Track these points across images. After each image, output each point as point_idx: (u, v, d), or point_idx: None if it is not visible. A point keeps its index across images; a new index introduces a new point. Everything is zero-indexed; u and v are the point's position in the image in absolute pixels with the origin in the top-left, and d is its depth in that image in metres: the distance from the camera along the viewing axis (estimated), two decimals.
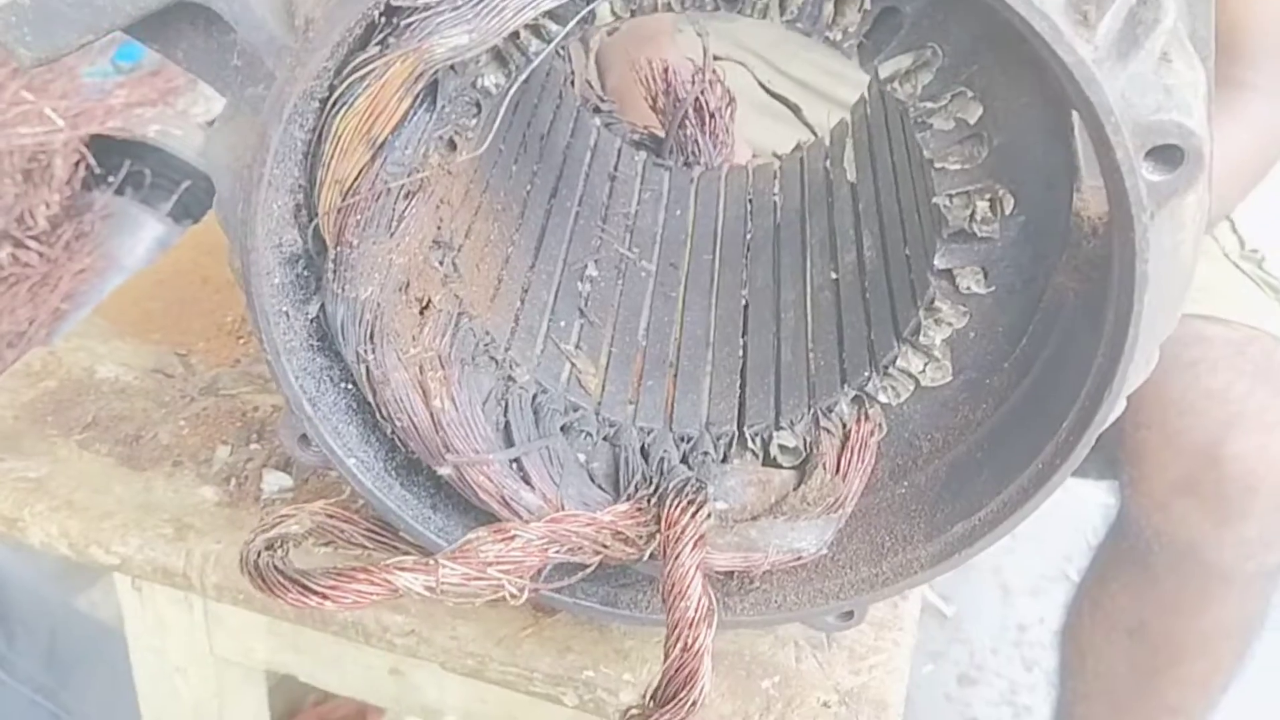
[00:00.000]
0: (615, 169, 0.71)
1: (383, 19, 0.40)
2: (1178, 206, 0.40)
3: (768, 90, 0.80)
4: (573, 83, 0.73)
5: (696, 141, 0.76)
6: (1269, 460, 0.92)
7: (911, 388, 0.52)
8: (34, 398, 0.73)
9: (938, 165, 0.45)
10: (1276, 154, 1.02)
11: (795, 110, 0.78)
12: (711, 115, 0.77)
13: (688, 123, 0.76)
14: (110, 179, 1.58)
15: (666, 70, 0.78)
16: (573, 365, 0.57)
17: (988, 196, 0.46)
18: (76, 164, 1.52)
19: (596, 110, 0.74)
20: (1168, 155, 0.38)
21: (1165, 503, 0.95)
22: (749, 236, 0.67)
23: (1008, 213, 0.46)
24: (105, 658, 1.13)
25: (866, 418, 0.53)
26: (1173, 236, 0.41)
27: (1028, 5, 0.35)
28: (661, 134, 0.77)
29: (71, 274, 1.55)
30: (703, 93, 0.77)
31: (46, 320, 1.53)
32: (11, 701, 1.06)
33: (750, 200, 0.70)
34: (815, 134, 0.75)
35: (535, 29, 0.42)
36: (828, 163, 0.68)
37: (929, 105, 0.43)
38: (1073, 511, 1.88)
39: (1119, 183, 0.38)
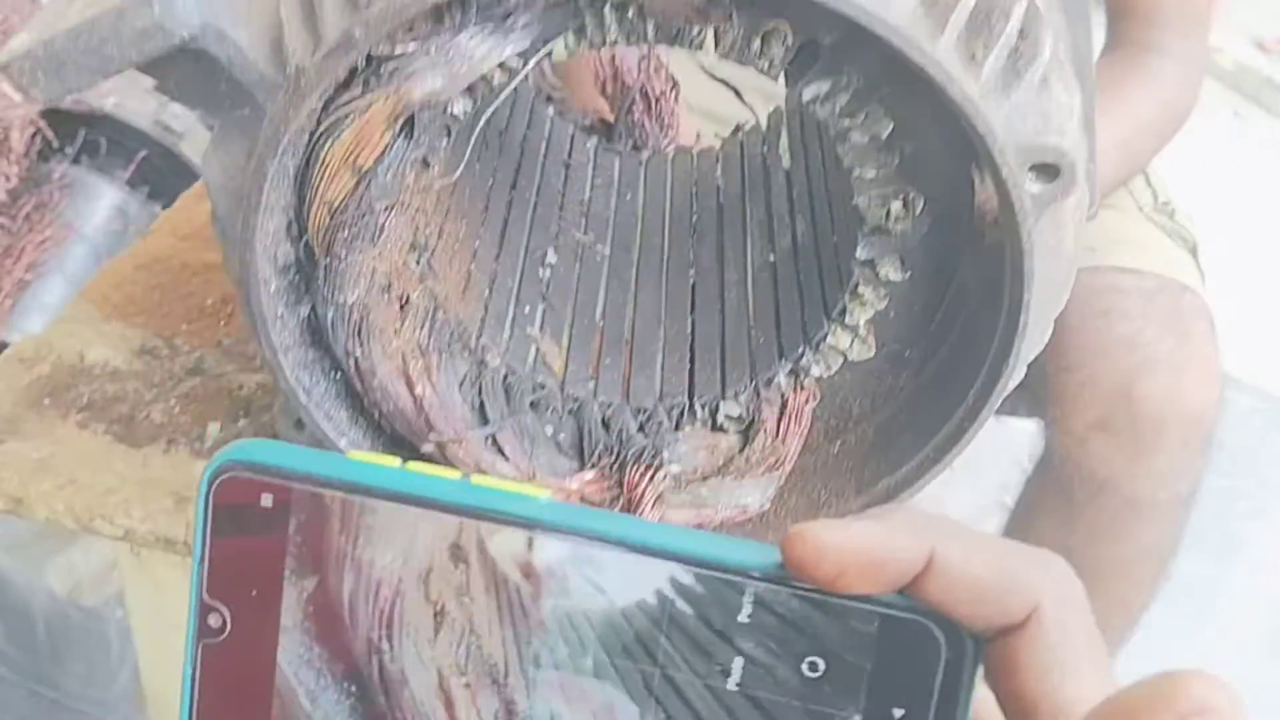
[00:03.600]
0: (569, 157, 0.76)
1: (363, 62, 0.45)
2: (1058, 210, 0.47)
3: (709, 74, 0.85)
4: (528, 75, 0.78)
5: (644, 126, 0.82)
6: (1176, 400, 1.00)
7: (840, 362, 0.59)
8: (30, 382, 0.78)
9: (856, 173, 0.51)
10: (1186, 113, 1.09)
11: (737, 93, 0.84)
12: (657, 100, 0.82)
13: (634, 108, 0.82)
14: (66, 149, 1.60)
15: (613, 57, 0.83)
16: (538, 348, 0.63)
17: (900, 198, 0.52)
18: (33, 136, 1.54)
19: (549, 100, 0.79)
20: (1046, 170, 0.45)
21: (1084, 439, 1.03)
22: (695, 219, 0.73)
23: (918, 212, 0.52)
24: (91, 637, 1.18)
25: (802, 388, 0.60)
26: (1055, 235, 0.47)
27: (922, 53, 0.41)
28: (610, 119, 0.82)
29: (34, 244, 1.57)
30: (648, 79, 0.82)
31: (12, 290, 1.55)
32: (12, 696, 1.10)
33: (695, 184, 0.76)
34: (755, 114, 0.81)
35: (500, 65, 0.47)
36: (765, 148, 0.74)
37: (846, 122, 0.49)
38: (1008, 444, 1.98)
39: (1006, 195, 0.45)
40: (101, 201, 1.64)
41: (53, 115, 1.57)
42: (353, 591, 0.28)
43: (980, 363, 0.53)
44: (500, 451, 0.58)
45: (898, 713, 0.27)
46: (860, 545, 0.25)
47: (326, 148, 0.47)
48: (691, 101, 1.02)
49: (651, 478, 0.57)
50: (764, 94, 0.84)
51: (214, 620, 0.28)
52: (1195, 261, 1.13)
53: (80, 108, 1.55)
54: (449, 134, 0.50)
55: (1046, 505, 1.13)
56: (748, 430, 0.62)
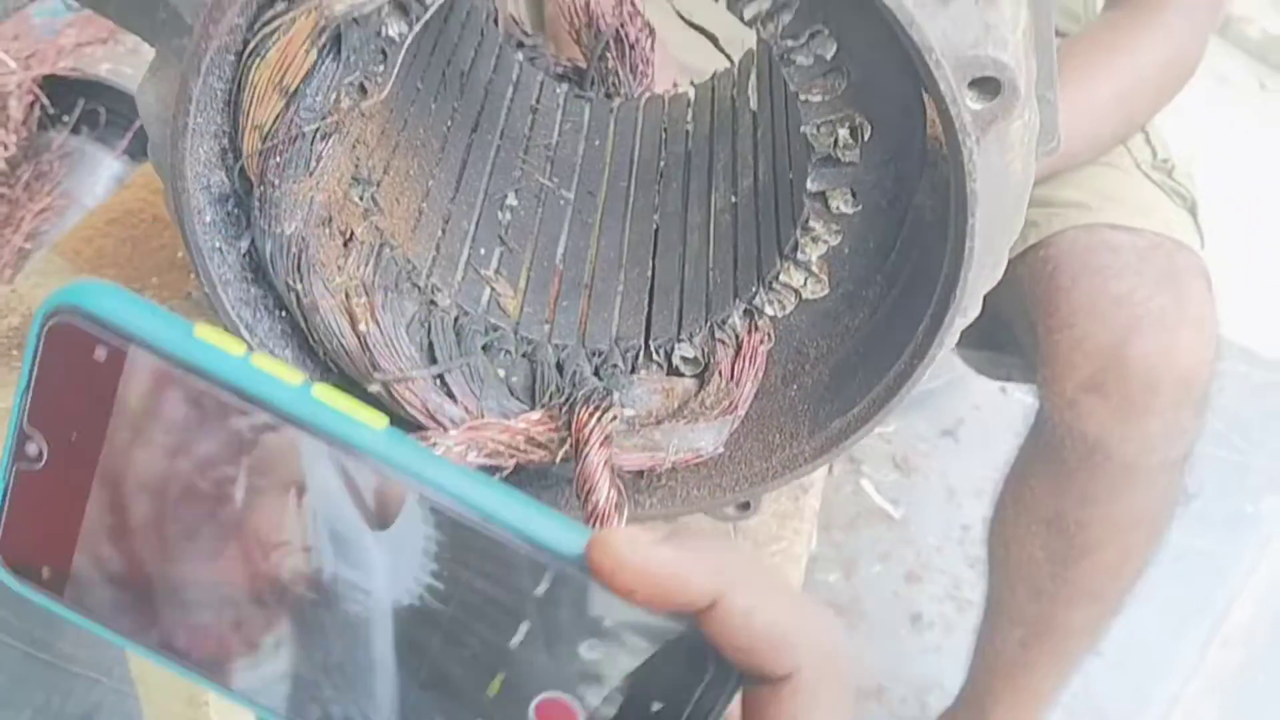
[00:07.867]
0: (537, 102, 0.75)
1: None
2: (1004, 131, 0.45)
3: (686, 20, 0.83)
4: (496, 20, 0.77)
5: (617, 73, 0.80)
6: (1169, 360, 0.98)
7: (794, 301, 0.58)
8: (0, 335, 0.78)
9: (802, 97, 0.50)
10: (1190, 70, 1.07)
11: (713, 40, 0.83)
12: (631, 47, 0.81)
13: (608, 55, 0.80)
14: (65, 118, 1.60)
15: (588, 3, 0.81)
16: (492, 289, 0.62)
17: (848, 124, 0.51)
18: (32, 104, 1.54)
19: (519, 45, 0.78)
20: (986, 86, 0.43)
21: (1075, 400, 1.02)
22: (662, 164, 0.72)
23: (867, 139, 0.51)
24: None
25: (756, 328, 0.59)
26: (1001, 158, 0.46)
27: None
28: (584, 66, 0.81)
29: (33, 214, 1.57)
30: (623, 25, 0.81)
31: (10, 259, 1.56)
32: (8, 657, 1.09)
33: (665, 129, 0.75)
34: (731, 62, 0.80)
35: None
36: (734, 91, 0.72)
37: (790, 43, 0.48)
38: (1014, 417, 1.96)
39: (946, 112, 0.43)
40: (101, 171, 1.64)
41: (52, 84, 1.58)
42: (162, 466, 0.28)
43: (929, 299, 0.52)
44: (449, 393, 0.58)
45: (656, 706, 0.28)
46: (655, 571, 0.27)
47: (254, 68, 0.46)
48: (673, 54, 1.00)
49: (599, 419, 0.56)
50: (744, 43, 0.83)
51: (31, 449, 0.28)
52: (1194, 220, 1.11)
53: (77, 74, 1.55)
54: (385, 57, 0.49)
55: (1039, 469, 1.11)
56: (703, 374, 0.60)
